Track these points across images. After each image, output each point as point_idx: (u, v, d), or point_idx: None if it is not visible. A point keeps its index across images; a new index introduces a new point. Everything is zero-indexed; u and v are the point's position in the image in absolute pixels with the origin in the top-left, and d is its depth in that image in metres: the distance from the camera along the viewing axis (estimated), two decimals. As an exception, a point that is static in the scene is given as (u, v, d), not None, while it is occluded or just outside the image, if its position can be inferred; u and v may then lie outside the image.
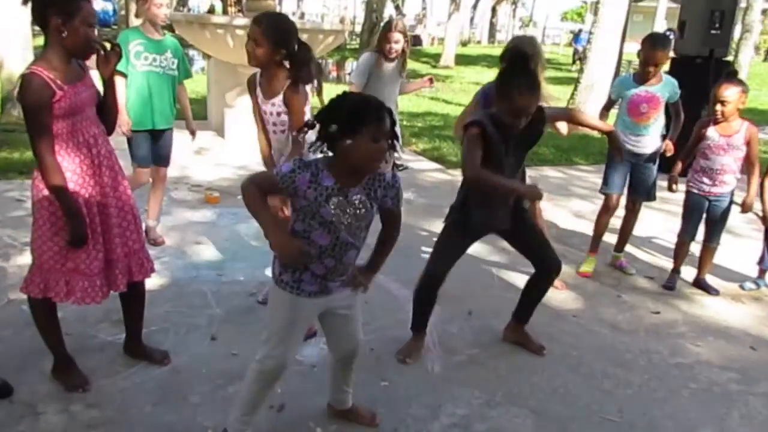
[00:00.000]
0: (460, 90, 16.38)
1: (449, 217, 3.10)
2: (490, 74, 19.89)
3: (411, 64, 9.81)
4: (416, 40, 31.57)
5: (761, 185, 3.97)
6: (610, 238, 4.51)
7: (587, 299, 3.94)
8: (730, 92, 3.78)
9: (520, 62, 2.83)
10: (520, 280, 4.15)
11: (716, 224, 4.05)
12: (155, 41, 4.07)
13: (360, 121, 1.97)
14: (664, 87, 4.04)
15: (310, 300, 2.21)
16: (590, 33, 11.07)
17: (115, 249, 2.67)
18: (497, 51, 27.06)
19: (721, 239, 4.13)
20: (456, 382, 2.98)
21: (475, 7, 40.94)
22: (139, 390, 2.77)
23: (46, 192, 2.47)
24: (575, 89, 10.54)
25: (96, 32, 2.53)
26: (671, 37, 4.36)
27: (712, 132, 3.89)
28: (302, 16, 39.92)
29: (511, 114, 2.73)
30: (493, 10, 45.37)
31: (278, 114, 3.13)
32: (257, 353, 2.29)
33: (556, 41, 37.54)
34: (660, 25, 22.70)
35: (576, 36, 24.42)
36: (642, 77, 4.02)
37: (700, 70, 7.00)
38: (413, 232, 4.88)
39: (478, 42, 38.69)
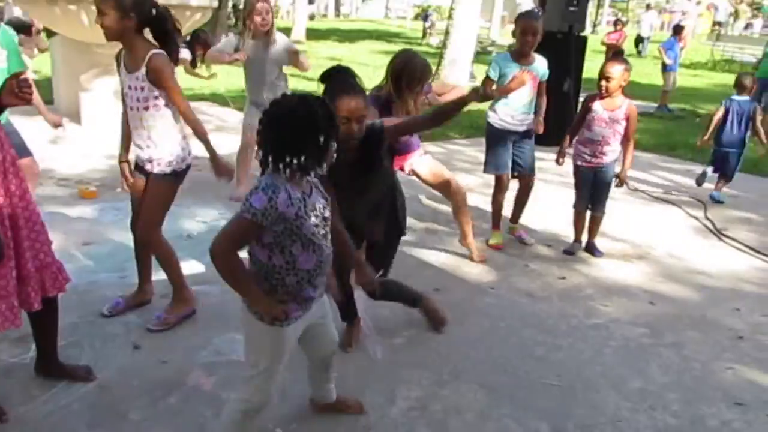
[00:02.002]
0: (317, 66, 16.19)
1: None
2: (342, 49, 19.93)
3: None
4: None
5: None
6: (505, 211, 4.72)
7: (499, 271, 4.11)
8: (614, 69, 4.07)
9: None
10: (435, 256, 4.27)
11: (600, 193, 4.37)
12: None
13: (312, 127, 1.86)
14: (539, 66, 4.25)
15: (295, 325, 2.07)
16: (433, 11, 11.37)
17: (26, 264, 2.37)
18: (345, 25, 27.33)
19: (605, 208, 4.45)
20: (403, 365, 2.99)
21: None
22: (67, 413, 2.50)
23: None
24: (439, 65, 10.83)
25: None
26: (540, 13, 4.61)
27: (597, 105, 4.18)
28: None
29: None
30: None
31: (141, 89, 2.89)
32: (239, 392, 2.13)
33: (402, 15, 38.26)
34: (500, 2, 23.91)
35: (425, 14, 25.15)
36: (520, 53, 4.18)
37: (561, 46, 7.45)
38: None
39: (324, 16, 38.48)
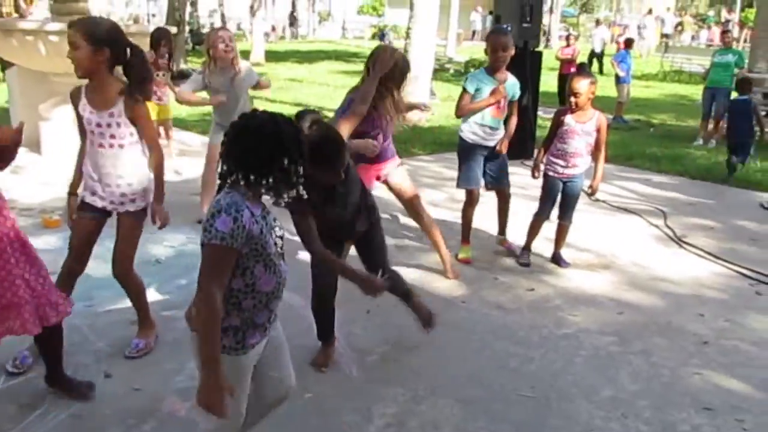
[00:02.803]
0: (278, 87, 16.20)
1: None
2: (301, 70, 19.95)
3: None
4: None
5: None
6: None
7: (469, 285, 4.15)
8: (581, 85, 4.19)
9: None
10: (405, 272, 4.26)
11: (569, 203, 4.47)
12: None
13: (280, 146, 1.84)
14: (513, 86, 4.40)
15: (253, 351, 1.97)
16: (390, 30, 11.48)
17: (20, 290, 2.39)
18: (303, 46, 27.19)
19: (572, 218, 4.56)
20: (378, 382, 2.99)
21: (273, 2, 40.64)
22: (39, 446, 2.44)
23: None
24: (399, 83, 10.94)
25: None
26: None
27: (569, 119, 4.29)
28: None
29: None
30: (293, 4, 45.40)
31: (116, 125, 2.86)
32: (205, 425, 2.06)
33: (359, 35, 38.48)
34: (455, 21, 24.28)
35: (381, 33, 25.39)
36: (494, 68, 4.30)
37: (518, 61, 7.58)
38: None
39: (282, 38, 38.43)
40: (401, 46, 11.56)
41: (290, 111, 5.56)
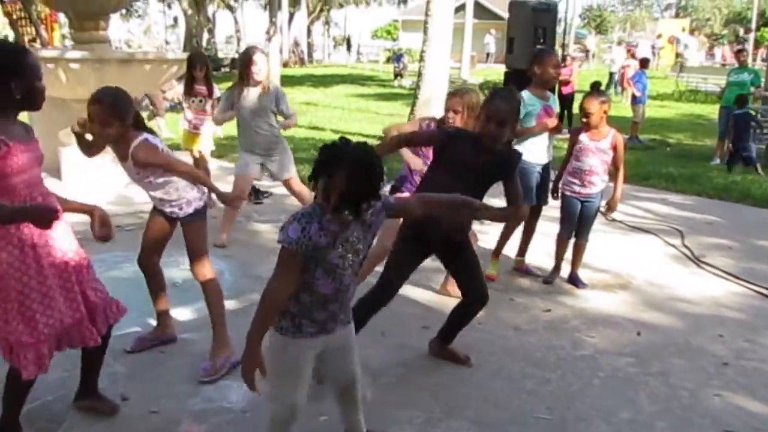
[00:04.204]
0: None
1: (402, 233, 3.16)
2: (317, 94, 20.16)
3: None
4: (236, 62, 31.08)
5: None
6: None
7: (486, 307, 4.11)
8: (592, 104, 4.23)
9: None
10: (420, 294, 4.29)
11: (586, 223, 4.46)
12: None
13: (335, 165, 1.97)
14: (553, 101, 4.57)
15: (311, 340, 2.20)
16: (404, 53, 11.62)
17: (81, 305, 2.55)
18: (318, 70, 27.54)
19: (589, 237, 4.54)
20: (393, 405, 2.98)
21: (289, 27, 41.22)
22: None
23: None
24: (414, 105, 11.02)
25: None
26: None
27: (583, 137, 4.31)
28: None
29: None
30: (308, 30, 46.01)
31: (137, 172, 3.08)
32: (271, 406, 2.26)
33: (374, 59, 38.88)
34: (468, 43, 24.47)
35: (397, 56, 25.63)
36: (543, 88, 4.49)
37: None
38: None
39: (296, 63, 38.90)
40: (415, 69, 11.68)
41: (306, 134, 5.69)
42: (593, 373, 3.33)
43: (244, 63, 4.94)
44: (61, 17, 23.48)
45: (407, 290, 4.29)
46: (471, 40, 25.14)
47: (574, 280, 4.55)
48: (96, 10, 6.64)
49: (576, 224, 4.48)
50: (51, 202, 2.52)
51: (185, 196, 3.20)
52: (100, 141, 3.02)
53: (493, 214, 2.75)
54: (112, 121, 2.88)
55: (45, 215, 2.32)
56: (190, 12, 31.60)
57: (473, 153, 2.98)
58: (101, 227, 2.71)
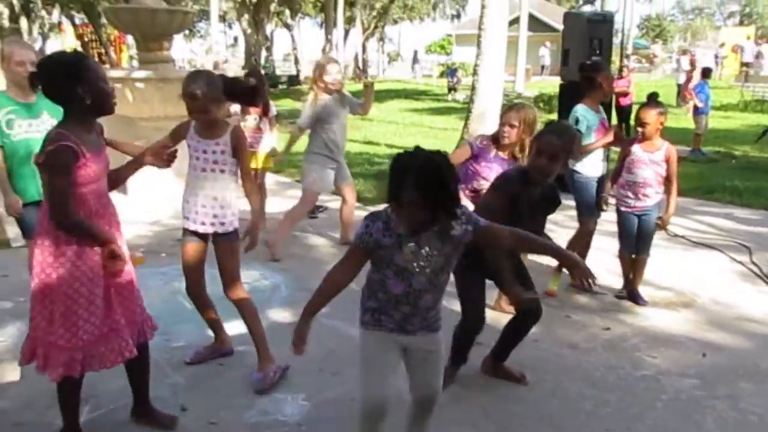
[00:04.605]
0: (350, 126, 16.60)
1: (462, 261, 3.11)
2: (371, 109, 20.36)
3: (291, 103, 9.93)
4: (293, 80, 31.71)
5: None
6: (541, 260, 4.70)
7: (541, 323, 4.01)
8: (649, 115, 4.14)
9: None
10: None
11: (645, 237, 4.34)
12: (27, 105, 3.67)
13: (405, 174, 2.01)
14: (603, 112, 4.56)
15: (391, 335, 2.27)
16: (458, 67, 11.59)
17: (120, 317, 2.61)
18: (374, 86, 27.45)
19: (649, 251, 4.42)
20: (447, 423, 2.95)
21: (344, 44, 41.81)
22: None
23: (39, 262, 2.46)
24: (467, 119, 10.97)
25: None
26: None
27: (636, 148, 4.22)
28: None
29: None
30: (363, 46, 46.56)
31: (221, 152, 3.16)
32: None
33: (427, 74, 38.94)
34: (523, 56, 24.24)
35: (451, 70, 25.66)
36: (597, 104, 4.48)
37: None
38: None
39: (351, 79, 39.36)
40: (469, 83, 11.65)
41: (360, 149, 5.75)
42: (655, 395, 3.22)
43: (318, 72, 5.03)
44: (129, 39, 24.46)
45: (457, 308, 4.25)
46: (525, 53, 24.88)
47: (634, 296, 4.42)
48: (160, 31, 6.91)
49: (633, 238, 4.36)
50: (110, 214, 2.63)
51: (227, 212, 3.22)
52: (196, 115, 3.10)
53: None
54: (211, 107, 3.06)
55: (116, 261, 2.49)
56: (249, 31, 32.44)
57: (523, 187, 3.01)
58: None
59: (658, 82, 24.36)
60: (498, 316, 4.11)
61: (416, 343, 2.31)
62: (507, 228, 2.34)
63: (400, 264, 2.17)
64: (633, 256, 4.42)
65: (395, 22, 51.18)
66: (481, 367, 3.41)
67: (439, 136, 13.39)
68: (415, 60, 24.87)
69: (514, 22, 22.53)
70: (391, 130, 14.71)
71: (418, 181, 1.98)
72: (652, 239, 4.38)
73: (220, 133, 3.16)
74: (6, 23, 20.41)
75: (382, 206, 2.23)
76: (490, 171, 3.93)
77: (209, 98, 3.05)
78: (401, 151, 2.09)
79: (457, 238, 2.20)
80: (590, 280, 2.49)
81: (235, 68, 12.05)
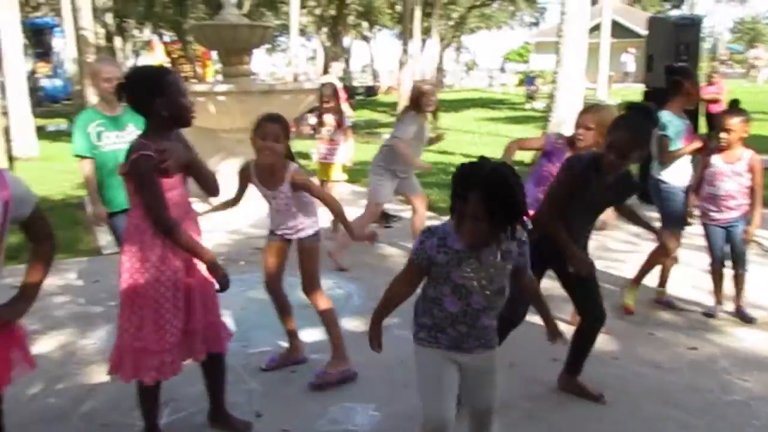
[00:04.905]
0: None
1: None
2: (447, 118, 20.26)
3: (368, 114, 10.01)
4: (370, 91, 32.09)
5: None
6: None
7: (622, 340, 3.91)
8: (734, 121, 3.94)
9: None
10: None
11: (738, 249, 4.12)
12: (113, 118, 3.90)
13: (468, 187, 1.95)
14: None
15: (448, 352, 2.22)
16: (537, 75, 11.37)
17: (197, 321, 2.68)
18: (449, 95, 27.45)
19: (747, 264, 4.18)
20: (521, 441, 2.88)
21: (422, 55, 41.95)
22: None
23: (126, 268, 2.56)
24: (546, 128, 10.77)
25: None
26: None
27: (716, 159, 4.02)
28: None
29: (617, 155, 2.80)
30: (439, 56, 46.57)
31: (288, 197, 3.25)
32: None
33: (505, 82, 38.45)
34: (605, 63, 23.58)
35: (529, 78, 25.29)
36: (682, 110, 4.28)
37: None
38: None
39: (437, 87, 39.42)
40: (549, 91, 11.44)
41: (435, 159, 5.76)
42: (746, 421, 3.03)
43: (418, 94, 5.09)
44: (214, 54, 25.43)
45: (536, 320, 4.14)
46: (608, 60, 24.20)
47: (741, 314, 4.17)
48: (241, 46, 7.14)
49: (724, 253, 4.13)
50: (192, 221, 2.72)
51: (309, 221, 3.35)
52: (268, 157, 3.14)
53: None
54: (283, 139, 3.11)
55: (221, 278, 2.58)
56: (327, 44, 33.11)
57: (593, 176, 2.89)
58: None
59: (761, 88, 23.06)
60: (572, 330, 3.99)
61: (473, 361, 2.26)
62: (530, 276, 2.32)
63: (457, 281, 2.11)
64: (726, 270, 4.19)
65: (472, 31, 50.94)
66: (557, 384, 3.31)
67: (516, 145, 13.17)
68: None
69: (596, 28, 21.99)
70: (466, 140, 14.60)
71: (483, 195, 1.91)
72: (746, 253, 4.15)
73: (279, 181, 3.20)
74: (102, 42, 21.68)
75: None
76: None
77: (287, 137, 3.14)
78: (466, 162, 2.03)
79: (515, 255, 2.16)
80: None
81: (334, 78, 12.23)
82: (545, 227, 2.89)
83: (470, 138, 15.01)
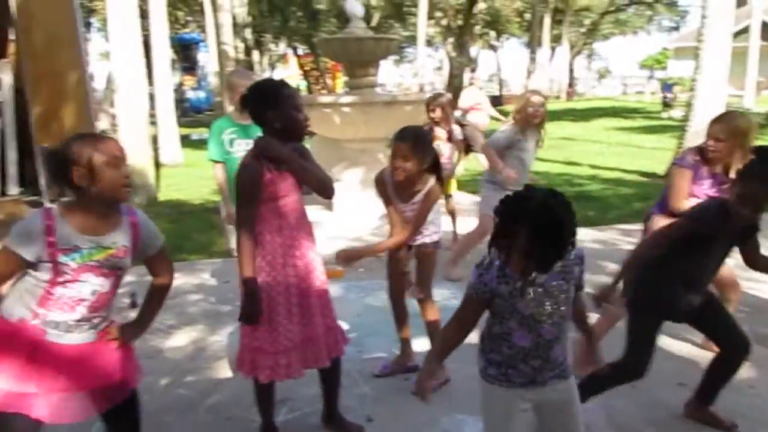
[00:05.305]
0: (549, 146, 16.15)
1: (635, 300, 2.87)
2: (575, 128, 19.62)
3: (494, 124, 9.88)
4: (496, 100, 31.78)
5: None
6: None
7: (760, 367, 3.59)
8: None
9: None
10: (678, 346, 3.88)
11: None
12: (245, 126, 4.10)
13: (515, 223, 1.84)
14: None
15: (520, 390, 2.10)
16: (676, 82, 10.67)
17: (316, 327, 2.77)
18: (579, 104, 26.55)
19: None
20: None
21: (550, 63, 41.01)
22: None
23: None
24: (681, 138, 10.14)
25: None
26: None
27: None
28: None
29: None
30: (570, 64, 45.25)
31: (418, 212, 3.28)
32: None
33: (640, 90, 36.69)
34: (754, 68, 21.83)
35: (666, 85, 23.92)
36: None
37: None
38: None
39: (557, 97, 38.39)
40: (686, 99, 10.78)
41: (561, 170, 5.56)
42: None
43: (522, 104, 4.99)
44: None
45: (664, 341, 3.91)
46: (757, 64, 22.38)
47: None
48: (366, 58, 7.32)
49: None
50: (304, 228, 2.80)
51: (431, 226, 3.40)
52: (399, 174, 3.17)
53: None
54: (412, 158, 3.10)
55: (251, 314, 2.65)
56: (453, 54, 33.19)
57: (719, 229, 2.66)
58: None
59: None
60: (703, 354, 3.73)
61: (548, 395, 2.11)
62: (581, 295, 2.17)
63: (524, 312, 1.99)
64: None
65: (605, 37, 49.08)
66: (684, 411, 3.10)
67: (648, 156, 12.52)
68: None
69: (744, 31, 20.47)
70: (594, 150, 14.07)
71: (531, 231, 1.79)
72: None
73: (415, 194, 3.23)
74: (241, 56, 23.14)
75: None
76: (700, 187, 3.49)
77: (416, 156, 3.10)
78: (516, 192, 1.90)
79: (576, 278, 2.04)
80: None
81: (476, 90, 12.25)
82: (637, 255, 2.75)
83: (598, 148, 14.46)
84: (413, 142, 3.12)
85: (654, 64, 49.47)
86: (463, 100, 11.71)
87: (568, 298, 2.04)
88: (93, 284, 2.13)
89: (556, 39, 39.79)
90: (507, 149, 4.91)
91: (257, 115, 2.71)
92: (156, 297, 2.42)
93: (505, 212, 1.87)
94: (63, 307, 2.11)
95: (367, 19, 25.97)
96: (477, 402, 3.17)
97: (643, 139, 15.71)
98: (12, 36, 4.40)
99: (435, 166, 3.21)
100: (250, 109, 2.73)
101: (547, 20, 35.80)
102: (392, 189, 3.29)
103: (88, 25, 30.63)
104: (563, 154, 13.28)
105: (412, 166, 3.11)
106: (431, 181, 3.22)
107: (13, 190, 4.37)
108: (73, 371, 2.14)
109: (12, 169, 4.43)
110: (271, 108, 2.64)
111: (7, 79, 4.43)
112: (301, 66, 34.21)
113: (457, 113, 12.15)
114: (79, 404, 2.15)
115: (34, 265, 2.07)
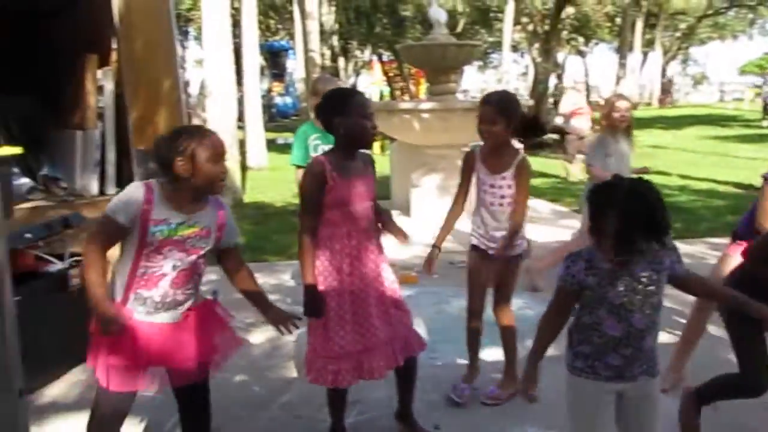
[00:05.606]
0: (640, 154, 15.57)
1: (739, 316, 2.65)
2: (666, 136, 18.85)
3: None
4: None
5: None
6: None
7: None
8: None
9: None
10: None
11: None
12: (327, 132, 4.18)
13: (605, 208, 1.92)
14: None
15: (607, 384, 2.11)
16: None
17: (376, 338, 2.74)
18: (672, 112, 25.60)
19: None
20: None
21: (642, 68, 39.58)
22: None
23: None
24: (783, 149, 9.57)
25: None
26: None
27: None
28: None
29: None
30: (663, 69, 43.50)
31: (508, 186, 3.18)
32: None
33: (739, 97, 34.81)
34: None
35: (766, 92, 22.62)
36: None
37: None
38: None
39: (648, 104, 36.96)
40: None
41: (648, 179, 5.35)
42: None
43: (608, 109, 4.91)
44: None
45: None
46: None
47: None
48: (449, 64, 7.34)
49: None
50: (370, 236, 2.79)
51: (519, 236, 3.29)
52: (486, 139, 3.16)
53: None
54: (499, 121, 3.08)
55: (314, 309, 2.69)
56: (539, 60, 32.62)
57: None
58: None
59: None
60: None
61: (633, 390, 2.12)
62: (696, 276, 2.15)
63: (615, 302, 2.02)
64: None
65: (702, 42, 46.87)
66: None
67: (744, 166, 11.85)
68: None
69: None
70: (686, 159, 13.46)
71: (622, 213, 1.87)
72: None
73: (506, 165, 3.17)
74: (328, 63, 23.65)
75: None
76: None
77: (502, 118, 3.06)
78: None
79: (667, 265, 2.03)
80: None
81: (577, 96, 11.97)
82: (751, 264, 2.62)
83: (690, 157, 13.84)
84: (498, 105, 3.09)
85: (755, 70, 46.78)
86: (564, 105, 11.41)
87: (660, 288, 2.05)
88: (175, 259, 2.27)
89: (649, 44, 38.35)
90: (607, 157, 4.83)
91: (326, 121, 2.76)
92: (248, 283, 2.54)
93: (595, 199, 1.98)
94: (147, 283, 2.26)
95: (453, 25, 25.95)
96: (548, 415, 3.16)
97: (739, 149, 14.91)
98: (114, 45, 4.67)
99: (526, 128, 3.22)
100: (321, 117, 2.79)
101: (639, 24, 34.57)
102: (481, 162, 3.23)
103: (185, 33, 32.11)
104: (651, 162, 12.71)
105: (499, 129, 3.08)
106: (520, 154, 3.18)
107: (111, 189, 4.64)
108: (157, 349, 2.28)
109: (111, 170, 4.70)
110: (338, 114, 2.68)
111: (109, 85, 4.71)
112: (386, 72, 34.52)
113: (559, 120, 11.94)
114: (157, 377, 2.34)
115: (126, 232, 2.22)
